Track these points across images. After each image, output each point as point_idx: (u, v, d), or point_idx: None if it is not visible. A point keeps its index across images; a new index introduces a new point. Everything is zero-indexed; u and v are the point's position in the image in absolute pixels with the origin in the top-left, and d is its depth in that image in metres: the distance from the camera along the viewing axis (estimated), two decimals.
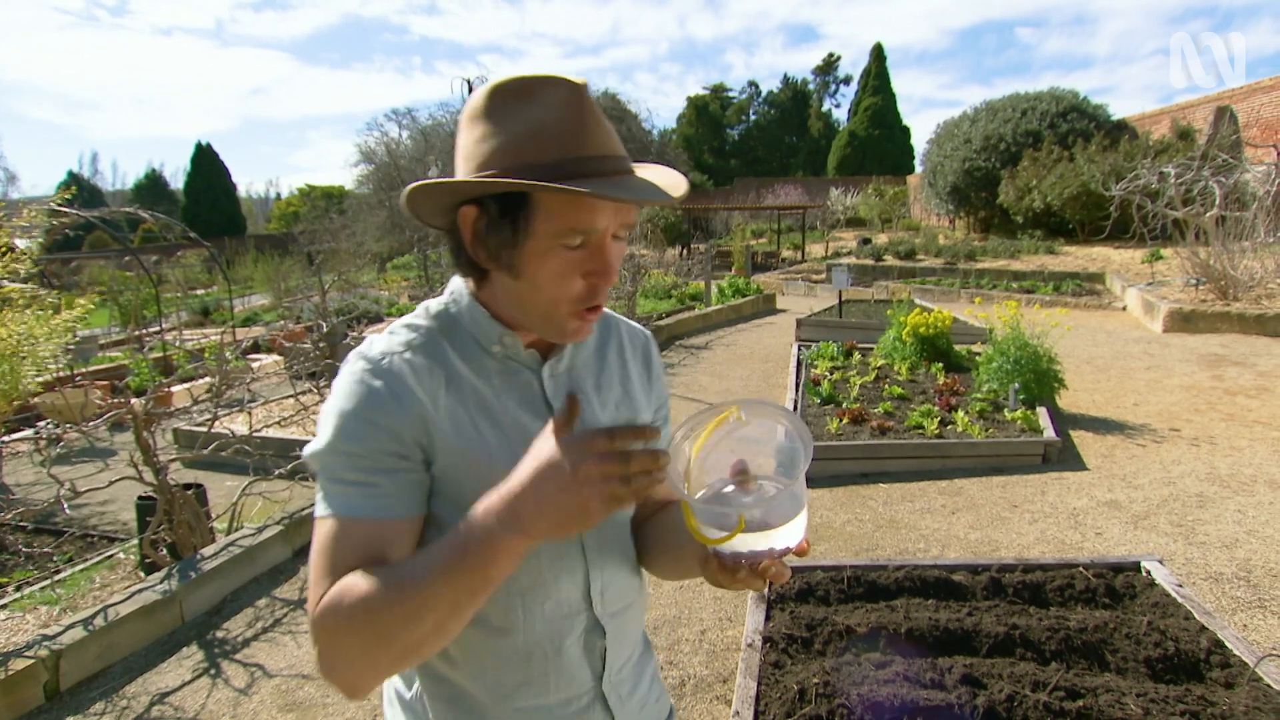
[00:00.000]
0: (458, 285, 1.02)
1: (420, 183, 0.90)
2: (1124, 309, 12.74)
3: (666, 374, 9.67)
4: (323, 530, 0.89)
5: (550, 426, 0.81)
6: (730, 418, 0.87)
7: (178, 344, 11.05)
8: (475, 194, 0.90)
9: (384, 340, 0.97)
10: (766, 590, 3.22)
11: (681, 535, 1.09)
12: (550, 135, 0.86)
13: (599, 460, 0.75)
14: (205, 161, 49.25)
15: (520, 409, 0.98)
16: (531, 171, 0.85)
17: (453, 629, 0.81)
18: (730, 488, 0.88)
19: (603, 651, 1.04)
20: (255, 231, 50.05)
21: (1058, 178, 19.09)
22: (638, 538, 1.14)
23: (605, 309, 1.18)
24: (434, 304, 1.02)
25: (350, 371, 0.93)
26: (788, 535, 0.83)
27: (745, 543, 0.81)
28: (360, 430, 0.88)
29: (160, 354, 10.15)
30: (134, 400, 4.20)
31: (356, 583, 0.82)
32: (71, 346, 7.16)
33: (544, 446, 0.79)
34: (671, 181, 0.91)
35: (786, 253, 25.56)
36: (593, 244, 0.89)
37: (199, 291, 20.06)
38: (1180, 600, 2.92)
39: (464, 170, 0.91)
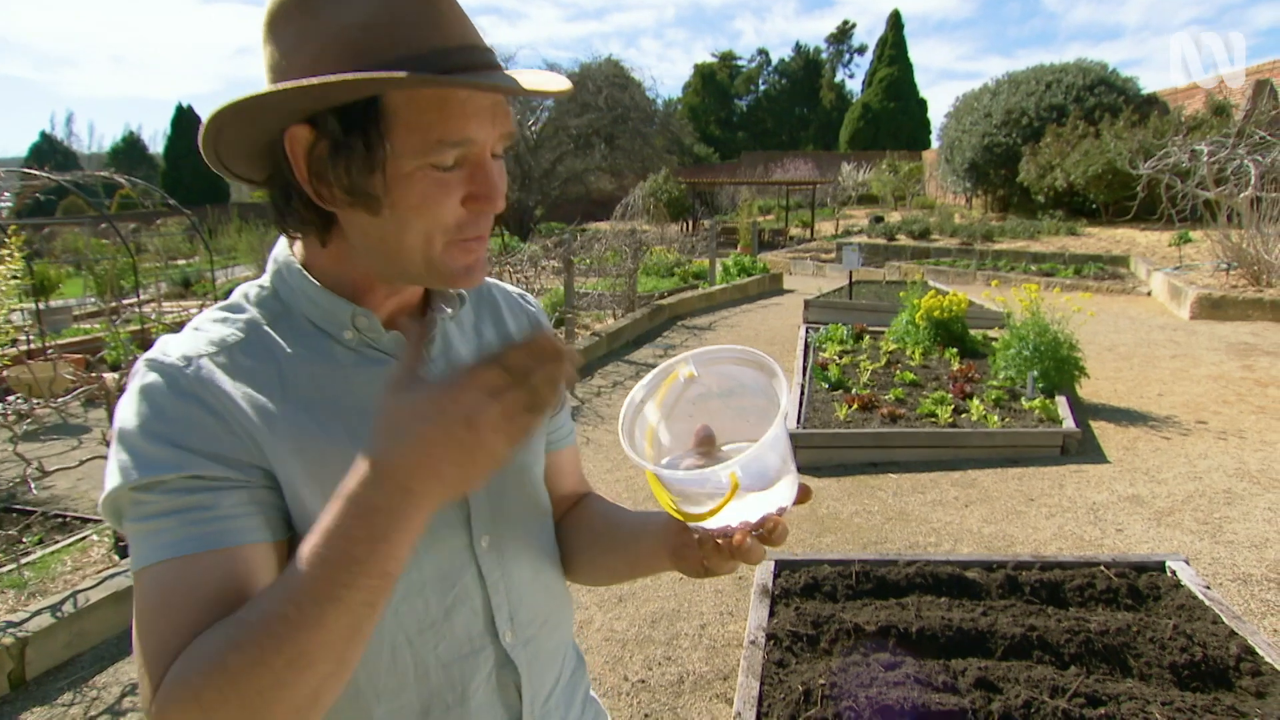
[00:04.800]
0: (282, 255, 0.84)
1: (226, 104, 0.70)
2: (1149, 294, 12.67)
3: (668, 355, 9.64)
4: (149, 586, 0.68)
5: (403, 368, 0.67)
6: (680, 377, 0.78)
7: (155, 316, 11.00)
8: (306, 109, 0.71)
9: (184, 340, 0.78)
10: (768, 561, 3.19)
11: (613, 531, 0.99)
12: (396, 24, 0.69)
13: (495, 399, 0.62)
14: (186, 125, 48.86)
15: None
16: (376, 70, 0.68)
17: (351, 662, 0.65)
18: (693, 459, 0.78)
19: (518, 686, 0.90)
20: (239, 200, 49.69)
21: (1082, 155, 18.93)
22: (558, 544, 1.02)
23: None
24: (253, 288, 0.84)
25: (141, 389, 0.74)
26: (785, 487, 0.74)
27: (741, 509, 0.71)
28: (168, 458, 0.70)
29: (138, 327, 10.09)
30: (107, 375, 4.16)
31: (210, 641, 0.64)
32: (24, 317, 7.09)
33: (414, 400, 0.63)
34: (552, 76, 0.76)
35: (795, 230, 25.42)
36: (472, 161, 0.74)
37: (180, 262, 19.96)
38: (1208, 603, 2.89)
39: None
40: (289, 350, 0.79)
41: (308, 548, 0.63)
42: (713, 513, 0.70)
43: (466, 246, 0.77)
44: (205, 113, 0.79)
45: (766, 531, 0.74)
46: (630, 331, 9.81)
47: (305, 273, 0.82)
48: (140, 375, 0.75)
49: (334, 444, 0.77)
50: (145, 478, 0.69)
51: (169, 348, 0.77)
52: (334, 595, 0.61)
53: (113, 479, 0.71)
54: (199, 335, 0.79)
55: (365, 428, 0.75)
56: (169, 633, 0.66)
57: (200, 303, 11.44)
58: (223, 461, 0.72)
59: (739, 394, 0.78)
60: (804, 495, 0.77)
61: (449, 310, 0.91)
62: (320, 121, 0.71)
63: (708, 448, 0.78)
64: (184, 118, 49.23)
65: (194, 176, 46.78)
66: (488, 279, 1.04)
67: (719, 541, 0.76)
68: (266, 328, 0.80)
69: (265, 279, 0.85)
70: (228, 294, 0.86)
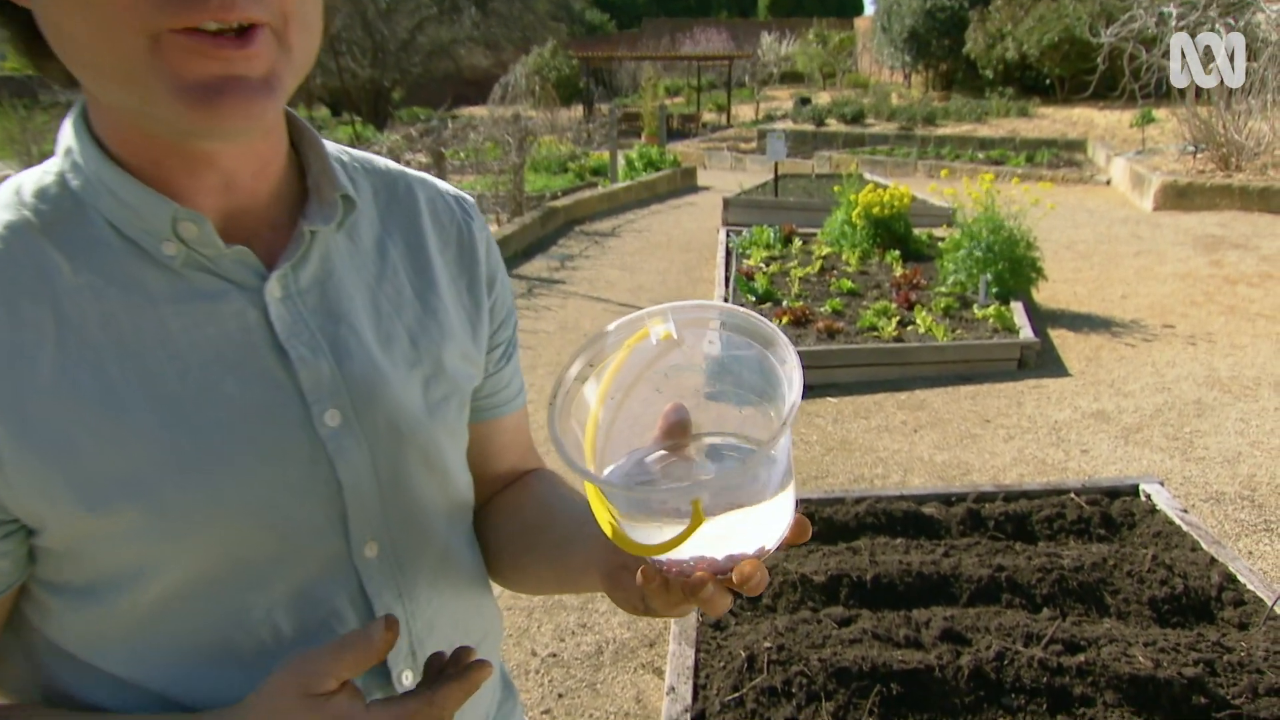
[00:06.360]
0: (69, 138, 0.67)
1: None
2: (1108, 183, 13.23)
3: (566, 268, 9.47)
4: None
5: (320, 664, 0.63)
6: (651, 337, 0.63)
7: None
8: None
9: None
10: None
11: (547, 525, 0.86)
12: None
13: None
14: None
15: (218, 364, 0.66)
16: None
17: None
18: (656, 456, 0.63)
19: None
20: None
21: (1037, 20, 19.36)
22: (478, 533, 0.90)
23: (398, 165, 0.84)
24: (33, 176, 0.68)
25: None
26: (772, 520, 0.60)
27: (705, 542, 0.57)
28: None
29: None
30: None
31: None
32: None
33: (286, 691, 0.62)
34: None
35: (708, 116, 25.30)
36: None
37: None
38: (1186, 528, 3.05)
39: None
40: (73, 275, 0.63)
41: None
42: (664, 547, 0.57)
43: (196, 44, 0.55)
44: None
45: (738, 579, 0.59)
46: (519, 240, 9.59)
47: (105, 155, 0.64)
48: None
49: (125, 422, 0.62)
50: None
51: None
52: None
53: None
54: None
55: (179, 387, 0.63)
56: None
57: None
58: None
59: (731, 371, 0.64)
60: (798, 533, 0.61)
61: (327, 222, 0.71)
62: None
63: (679, 439, 0.62)
64: None
65: None
66: (408, 171, 0.84)
67: (669, 579, 0.62)
68: (41, 237, 0.63)
69: (52, 163, 0.68)
70: None
